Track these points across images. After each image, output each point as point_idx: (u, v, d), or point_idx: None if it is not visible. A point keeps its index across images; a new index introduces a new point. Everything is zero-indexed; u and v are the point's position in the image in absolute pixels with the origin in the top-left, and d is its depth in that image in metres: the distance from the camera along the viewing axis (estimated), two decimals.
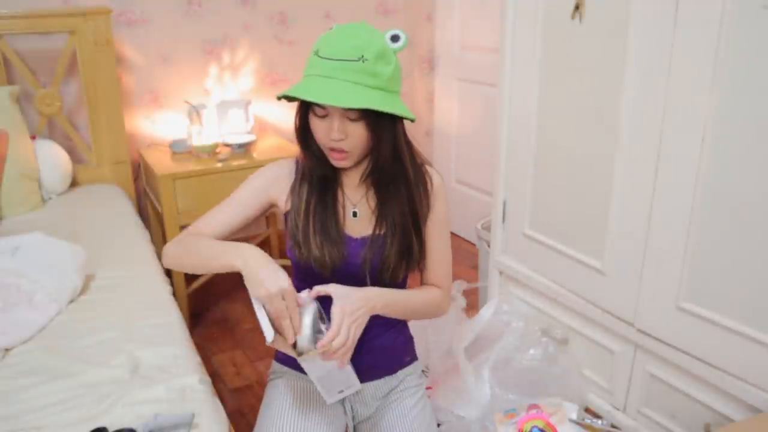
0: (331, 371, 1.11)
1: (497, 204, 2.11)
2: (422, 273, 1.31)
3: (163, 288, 1.73)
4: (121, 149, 2.58)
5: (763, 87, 1.30)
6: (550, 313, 2.00)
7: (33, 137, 2.38)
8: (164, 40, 2.74)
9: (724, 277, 1.45)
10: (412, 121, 1.15)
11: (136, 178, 2.76)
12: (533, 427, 1.61)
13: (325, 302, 1.15)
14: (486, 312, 2.00)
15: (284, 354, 1.33)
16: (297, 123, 1.18)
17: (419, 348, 1.44)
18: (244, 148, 2.62)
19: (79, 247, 1.72)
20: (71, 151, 2.55)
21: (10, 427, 1.14)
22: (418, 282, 1.33)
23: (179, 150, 2.62)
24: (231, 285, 2.83)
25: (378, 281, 1.21)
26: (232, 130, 2.75)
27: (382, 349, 1.30)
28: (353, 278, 1.21)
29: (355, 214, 1.24)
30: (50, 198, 2.38)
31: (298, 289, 1.28)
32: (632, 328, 1.71)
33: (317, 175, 1.21)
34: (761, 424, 1.32)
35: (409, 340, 1.39)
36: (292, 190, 1.24)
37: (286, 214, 1.26)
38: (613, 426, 1.83)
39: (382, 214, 1.22)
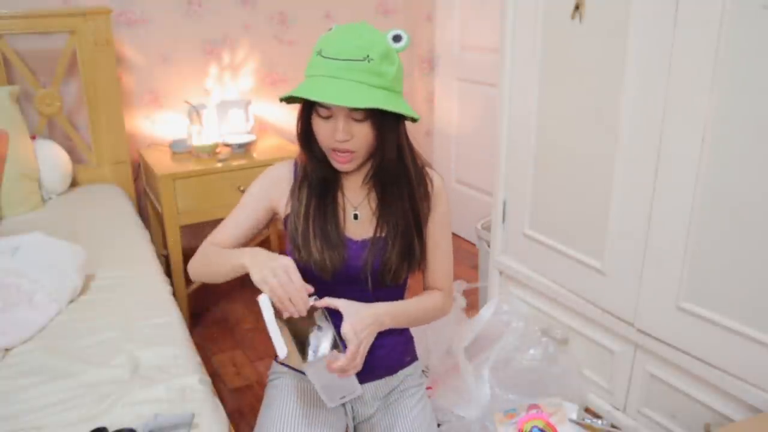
0: (334, 379, 1.11)
1: (497, 204, 2.11)
2: (423, 274, 1.31)
3: (163, 288, 1.73)
4: (121, 149, 2.58)
5: (763, 87, 1.30)
6: (550, 313, 2.00)
7: (33, 137, 2.38)
8: (164, 40, 2.74)
9: (724, 277, 1.45)
10: (415, 120, 1.15)
11: (136, 178, 2.76)
12: (533, 427, 1.61)
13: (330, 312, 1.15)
14: (486, 312, 2.00)
15: None
16: (300, 125, 1.17)
17: (419, 348, 1.44)
18: (244, 148, 2.62)
19: (79, 247, 1.72)
20: (71, 151, 2.55)
21: (10, 427, 1.14)
22: (418, 282, 1.33)
23: (179, 150, 2.62)
24: (231, 285, 2.82)
25: (379, 283, 1.21)
26: (232, 130, 2.75)
27: (383, 350, 1.30)
28: (354, 281, 1.21)
29: (356, 217, 1.23)
30: (50, 198, 2.38)
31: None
32: (632, 328, 1.71)
33: (318, 177, 1.21)
34: (761, 424, 1.32)
35: (409, 340, 1.39)
36: (292, 192, 1.23)
37: (286, 217, 1.25)
38: (613, 426, 1.83)
39: (383, 215, 1.21)
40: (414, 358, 1.40)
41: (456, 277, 2.06)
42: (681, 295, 1.55)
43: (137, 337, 1.44)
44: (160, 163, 2.49)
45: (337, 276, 1.19)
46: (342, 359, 1.07)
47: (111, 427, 1.12)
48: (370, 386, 1.31)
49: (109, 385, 1.26)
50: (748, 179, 1.36)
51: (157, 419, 1.11)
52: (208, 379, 1.35)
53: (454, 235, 3.36)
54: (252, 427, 1.28)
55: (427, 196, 1.24)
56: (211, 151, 2.55)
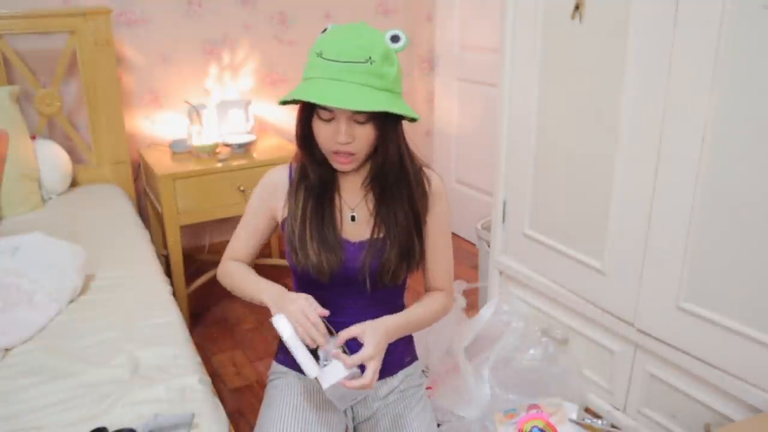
0: (348, 390, 1.11)
1: (497, 204, 2.11)
2: (424, 274, 1.31)
3: (163, 288, 1.73)
4: (121, 149, 2.58)
5: (763, 87, 1.30)
6: (550, 313, 2.00)
7: (33, 137, 2.38)
8: (164, 40, 2.74)
9: (724, 277, 1.45)
10: (415, 120, 1.14)
11: (136, 178, 2.76)
12: (533, 427, 1.61)
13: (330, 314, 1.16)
14: (486, 312, 2.00)
15: (284, 354, 1.34)
16: (299, 127, 1.17)
17: (419, 348, 1.44)
18: (244, 148, 2.62)
19: (79, 247, 1.72)
20: (71, 151, 2.55)
21: (10, 427, 1.14)
22: (417, 282, 1.33)
23: (179, 150, 2.62)
24: None
25: (377, 284, 1.21)
26: (232, 130, 2.75)
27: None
28: (352, 282, 1.21)
29: (353, 218, 1.23)
30: (50, 198, 2.38)
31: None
32: (632, 328, 1.71)
33: (317, 179, 1.21)
34: (761, 424, 1.32)
35: (410, 340, 1.39)
36: (289, 196, 1.23)
37: (283, 221, 1.25)
38: (613, 426, 1.83)
39: (381, 217, 1.21)
40: (414, 358, 1.40)
41: (456, 277, 2.06)
42: (681, 295, 1.55)
43: (137, 337, 1.44)
44: (160, 163, 2.49)
45: (335, 278, 1.19)
46: (362, 379, 1.08)
47: (111, 427, 1.12)
48: None
49: (109, 385, 1.26)
50: (748, 179, 1.36)
51: (157, 419, 1.11)
52: (208, 379, 1.35)
53: (454, 235, 3.36)
54: (252, 427, 1.28)
55: (425, 196, 1.24)
56: (211, 151, 2.55)
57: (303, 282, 1.25)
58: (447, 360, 1.93)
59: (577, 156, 1.78)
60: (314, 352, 1.10)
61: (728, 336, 1.46)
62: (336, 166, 1.16)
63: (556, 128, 1.84)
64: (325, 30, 1.13)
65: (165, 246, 2.54)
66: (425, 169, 1.26)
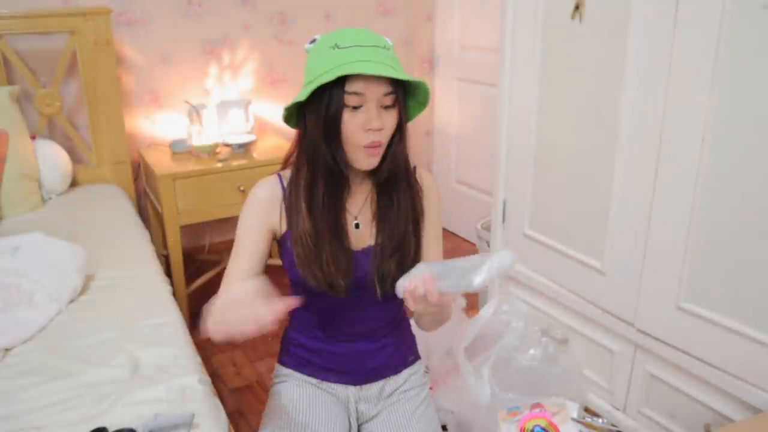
0: None
1: (497, 204, 2.11)
2: None
3: (163, 288, 1.73)
4: (121, 149, 2.58)
5: (763, 87, 1.30)
6: (550, 313, 2.00)
7: (33, 137, 2.38)
8: (164, 40, 2.74)
9: (724, 277, 1.45)
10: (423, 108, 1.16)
11: (136, 178, 2.76)
12: (535, 425, 1.61)
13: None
14: (486, 312, 2.00)
15: (287, 356, 1.34)
16: (323, 128, 1.08)
17: (419, 348, 1.44)
18: (244, 148, 2.62)
19: (79, 247, 1.72)
20: (71, 151, 2.54)
21: (10, 427, 1.14)
22: None
23: (179, 150, 2.62)
24: None
25: (387, 289, 1.17)
26: (232, 130, 2.75)
27: (387, 350, 1.30)
28: (360, 291, 1.18)
29: (357, 226, 1.21)
30: (50, 198, 2.38)
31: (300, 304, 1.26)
32: (632, 328, 1.71)
33: (329, 186, 1.13)
34: (761, 424, 1.32)
35: (413, 339, 1.39)
36: (289, 207, 1.17)
37: (283, 235, 1.19)
38: (612, 425, 1.83)
39: (383, 221, 1.19)
40: (417, 357, 1.40)
41: None
42: (681, 295, 1.55)
43: (137, 337, 1.44)
44: (160, 163, 2.49)
45: (348, 290, 1.16)
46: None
47: (111, 427, 1.11)
48: (375, 386, 1.31)
49: (109, 385, 1.26)
50: (748, 179, 1.36)
51: (157, 419, 1.11)
52: (208, 379, 1.35)
53: (455, 235, 3.37)
54: (252, 427, 1.28)
55: (419, 198, 1.23)
56: (211, 151, 2.55)
57: (310, 296, 1.20)
58: (447, 360, 1.93)
59: (577, 156, 1.78)
60: None
61: (728, 336, 1.46)
62: (363, 163, 1.10)
63: (556, 128, 1.84)
64: (314, 40, 1.11)
65: (165, 246, 2.54)
66: (419, 169, 1.26)
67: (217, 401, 1.28)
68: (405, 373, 1.34)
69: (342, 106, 1.05)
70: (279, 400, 1.28)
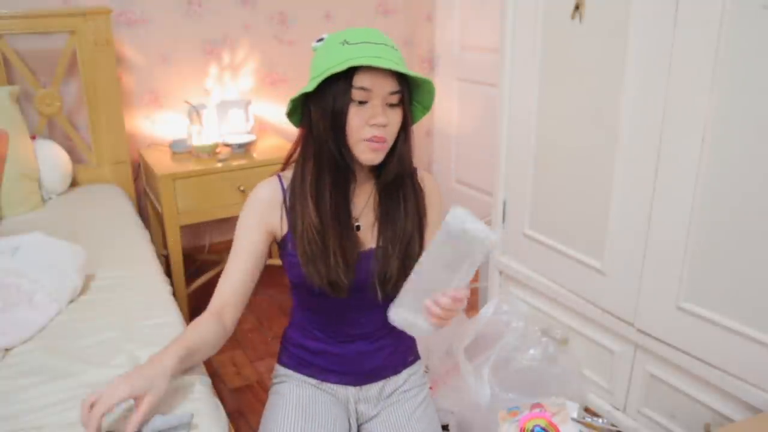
0: None
1: (497, 204, 2.11)
2: None
3: (163, 288, 1.73)
4: (121, 149, 2.58)
5: (763, 87, 1.30)
6: (550, 313, 2.00)
7: (33, 137, 2.38)
8: (164, 40, 2.74)
9: (724, 277, 1.45)
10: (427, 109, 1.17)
11: (136, 178, 2.76)
12: (535, 425, 1.61)
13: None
14: (486, 312, 2.00)
15: (287, 357, 1.34)
16: (330, 120, 1.08)
17: (419, 348, 1.44)
18: (244, 148, 2.62)
19: (79, 247, 1.72)
20: (71, 151, 2.54)
21: (10, 427, 1.14)
22: None
23: (179, 150, 2.62)
24: None
25: (388, 292, 1.17)
26: (232, 130, 2.75)
27: (387, 350, 1.30)
28: (361, 293, 1.18)
29: (358, 228, 1.21)
30: (50, 198, 2.38)
31: (301, 304, 1.26)
32: (632, 328, 1.71)
33: (336, 183, 1.13)
34: (761, 424, 1.32)
35: (412, 339, 1.39)
36: (292, 205, 1.17)
37: (283, 237, 1.19)
38: (612, 425, 1.83)
39: (386, 223, 1.19)
40: (417, 357, 1.40)
41: None
42: (681, 295, 1.55)
43: (137, 337, 1.44)
44: (160, 163, 2.49)
45: (349, 291, 1.17)
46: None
47: (111, 427, 1.11)
48: (375, 387, 1.31)
49: None
50: (748, 179, 1.36)
51: (157, 419, 1.11)
52: (208, 379, 1.35)
53: None
54: (252, 427, 1.28)
55: (422, 199, 1.23)
56: (211, 151, 2.55)
57: (310, 297, 1.21)
58: (447, 360, 1.93)
59: (577, 156, 1.78)
60: None
61: (728, 336, 1.46)
62: (366, 156, 1.10)
63: (556, 128, 1.84)
64: (321, 39, 1.13)
65: (165, 246, 2.54)
66: (419, 171, 1.26)
67: (217, 401, 1.28)
68: (405, 374, 1.34)
69: (349, 100, 1.06)
70: (278, 400, 1.28)
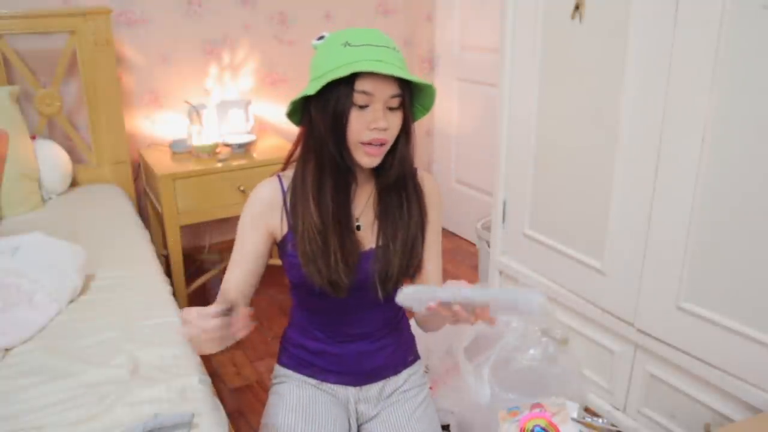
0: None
1: (497, 204, 2.11)
2: (419, 276, 1.24)
3: (163, 288, 1.73)
4: (121, 149, 2.58)
5: (763, 87, 1.30)
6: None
7: (33, 137, 2.38)
8: (164, 40, 2.74)
9: (724, 277, 1.45)
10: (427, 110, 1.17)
11: (136, 178, 2.76)
12: (535, 425, 1.61)
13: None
14: None
15: (287, 357, 1.34)
16: (327, 122, 1.08)
17: (419, 348, 1.44)
18: (244, 148, 2.62)
19: (79, 247, 1.72)
20: (71, 151, 2.54)
21: (10, 427, 1.14)
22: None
23: (179, 150, 2.62)
24: None
25: (388, 292, 1.17)
26: (232, 130, 2.75)
27: (387, 350, 1.30)
28: (362, 293, 1.18)
29: (358, 228, 1.20)
30: (50, 198, 2.38)
31: (300, 304, 1.26)
32: (632, 328, 1.71)
33: (336, 183, 1.14)
34: (761, 424, 1.32)
35: (412, 339, 1.39)
36: (293, 205, 1.16)
37: (283, 237, 1.19)
38: (612, 425, 1.83)
39: (386, 223, 1.19)
40: (417, 356, 1.40)
41: (456, 278, 2.06)
42: (681, 295, 1.55)
43: (137, 337, 1.44)
44: (160, 163, 2.49)
45: (349, 290, 1.17)
46: None
47: (111, 428, 1.12)
48: (375, 387, 1.31)
49: (109, 385, 1.26)
50: (748, 179, 1.36)
51: (157, 419, 1.11)
52: (208, 379, 1.35)
53: (454, 235, 3.37)
54: (252, 427, 1.28)
55: (422, 199, 1.23)
56: (211, 151, 2.55)
57: (310, 297, 1.21)
58: (447, 360, 1.93)
59: (577, 156, 1.78)
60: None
61: (728, 336, 1.46)
62: (365, 159, 1.10)
63: (556, 128, 1.84)
64: (322, 37, 1.12)
65: (165, 246, 2.54)
66: (419, 171, 1.26)
67: (217, 401, 1.28)
68: (405, 374, 1.34)
69: (350, 104, 1.06)
70: (278, 401, 1.28)
